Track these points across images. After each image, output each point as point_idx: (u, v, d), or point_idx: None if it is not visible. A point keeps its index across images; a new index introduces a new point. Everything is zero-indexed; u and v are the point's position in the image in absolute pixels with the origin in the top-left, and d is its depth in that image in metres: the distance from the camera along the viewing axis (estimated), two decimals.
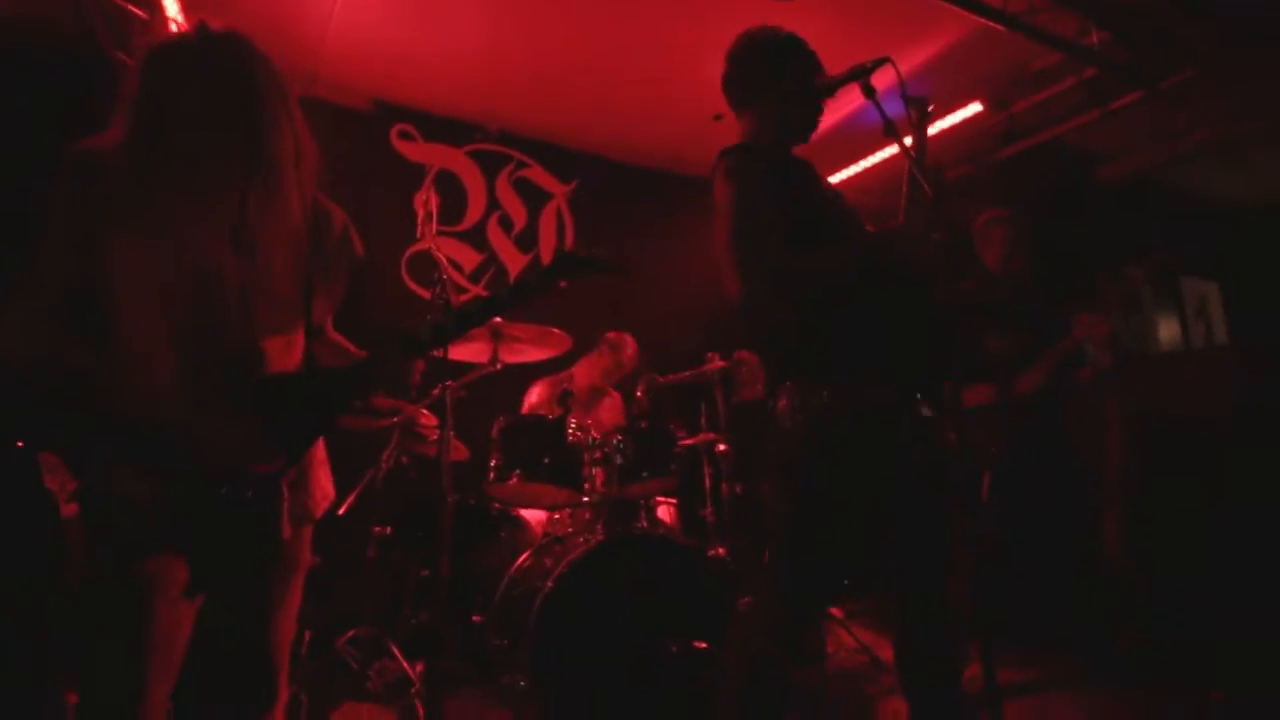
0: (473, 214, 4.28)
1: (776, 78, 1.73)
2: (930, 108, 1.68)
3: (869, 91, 1.60)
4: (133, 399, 1.13)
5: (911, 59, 3.55)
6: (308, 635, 2.51)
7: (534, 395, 3.45)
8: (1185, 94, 3.71)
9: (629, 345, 3.53)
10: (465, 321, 1.43)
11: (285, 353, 1.30)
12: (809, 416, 1.55)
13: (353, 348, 1.50)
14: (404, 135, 4.09)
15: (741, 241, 1.55)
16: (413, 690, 2.41)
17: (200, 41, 1.17)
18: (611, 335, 3.55)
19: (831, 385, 1.54)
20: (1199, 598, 2.83)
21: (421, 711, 2.27)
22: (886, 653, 2.77)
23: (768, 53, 1.75)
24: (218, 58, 1.17)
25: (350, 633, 2.73)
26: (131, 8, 2.84)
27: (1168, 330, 5.56)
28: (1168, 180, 4.79)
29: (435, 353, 2.27)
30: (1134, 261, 2.84)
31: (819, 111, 1.75)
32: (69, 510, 2.16)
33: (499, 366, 2.64)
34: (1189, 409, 3.36)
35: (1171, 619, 2.82)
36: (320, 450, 1.41)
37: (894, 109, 1.64)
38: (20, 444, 2.17)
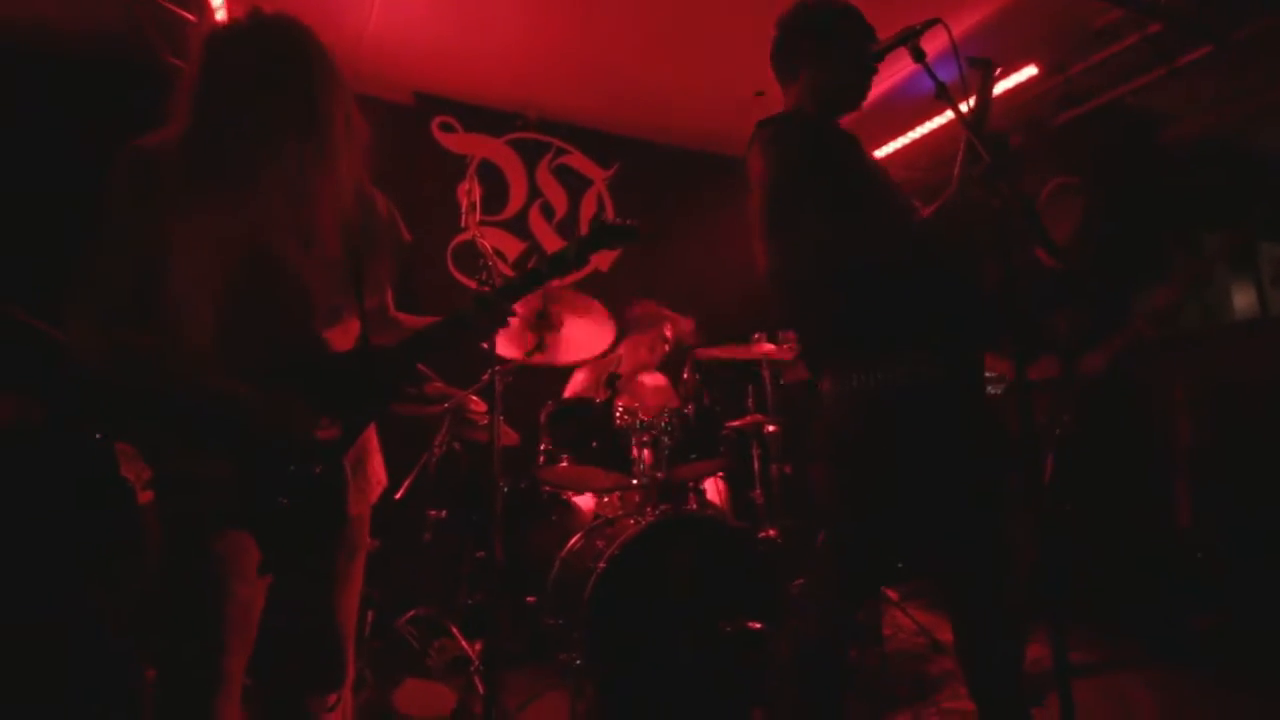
0: (514, 203, 4.31)
1: (827, 44, 1.68)
2: (997, 70, 1.60)
3: (919, 55, 1.54)
4: (198, 383, 1.16)
5: (962, 22, 3.41)
6: (370, 616, 2.60)
7: (578, 379, 3.47)
8: (1259, 46, 3.47)
9: (656, 311, 3.44)
10: (508, 295, 1.44)
11: (342, 332, 1.33)
12: (855, 399, 1.52)
13: (417, 319, 1.52)
14: (445, 127, 4.14)
15: (776, 211, 1.52)
16: (472, 668, 2.47)
17: (253, 22, 1.21)
18: (637, 310, 3.47)
19: (877, 365, 1.50)
20: (1274, 577, 2.69)
21: (481, 688, 2.33)
22: (945, 634, 2.72)
23: (821, 19, 1.70)
24: (271, 32, 1.21)
25: (410, 613, 2.81)
26: (181, 11, 2.94)
27: (1243, 298, 5.26)
28: (1239, 140, 4.51)
29: (482, 345, 2.32)
30: (1208, 229, 2.69)
31: (870, 78, 1.69)
32: (145, 497, 2.27)
33: (545, 351, 2.66)
34: (1265, 379, 3.18)
35: (1246, 598, 2.69)
36: (373, 439, 1.45)
37: (945, 73, 1.58)
38: (99, 435, 2.29)
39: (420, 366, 2.53)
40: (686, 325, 3.44)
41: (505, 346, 2.67)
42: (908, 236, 1.54)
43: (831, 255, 1.51)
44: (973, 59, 1.71)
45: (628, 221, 1.54)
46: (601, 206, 4.56)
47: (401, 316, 1.55)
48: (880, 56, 1.61)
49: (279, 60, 1.19)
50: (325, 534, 1.32)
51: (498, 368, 2.36)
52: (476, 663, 2.47)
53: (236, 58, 1.18)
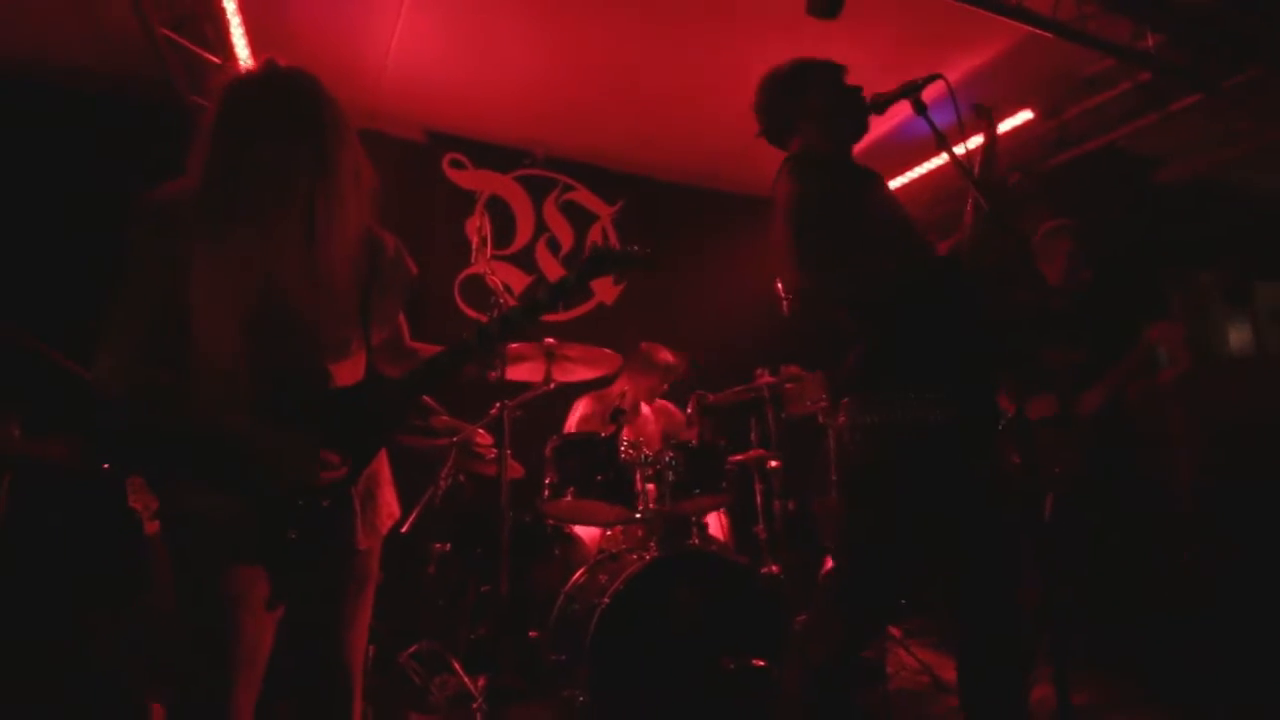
0: (521, 237, 4.40)
1: (807, 99, 1.75)
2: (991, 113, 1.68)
3: (920, 107, 1.61)
4: (210, 419, 1.20)
5: (960, 68, 3.53)
6: (372, 650, 2.58)
7: (580, 410, 3.49)
8: (1249, 93, 3.57)
9: (666, 354, 3.49)
10: (509, 326, 1.44)
11: (350, 367, 1.36)
12: (870, 433, 1.55)
13: (433, 349, 1.53)
14: (455, 164, 4.24)
15: (802, 235, 1.54)
16: (474, 704, 2.45)
17: (268, 74, 1.27)
18: (644, 347, 3.50)
19: (892, 401, 1.53)
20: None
21: None
22: (948, 673, 2.70)
23: (785, 84, 1.78)
24: (284, 84, 1.27)
25: (413, 647, 2.79)
26: (206, 54, 3.04)
27: (1239, 337, 5.31)
28: (1233, 182, 4.60)
29: (490, 376, 2.35)
30: (1203, 268, 2.75)
31: (863, 116, 1.74)
32: (152, 528, 2.29)
33: (552, 385, 2.70)
34: (1264, 417, 3.20)
35: (1251, 639, 2.68)
36: (386, 470, 1.46)
37: (943, 119, 1.65)
38: (106, 466, 2.31)
39: (428, 400, 2.57)
40: (682, 366, 3.47)
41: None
42: (928, 273, 1.58)
43: (861, 287, 1.54)
44: (977, 106, 1.79)
45: (632, 247, 1.55)
46: (607, 241, 4.64)
47: (418, 346, 1.58)
48: (883, 108, 1.68)
49: (291, 109, 1.24)
50: (334, 567, 1.34)
51: (507, 402, 2.40)
52: (479, 699, 2.45)
53: (251, 107, 1.24)
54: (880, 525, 1.54)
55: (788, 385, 3.32)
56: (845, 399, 1.60)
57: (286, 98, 1.25)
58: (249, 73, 1.30)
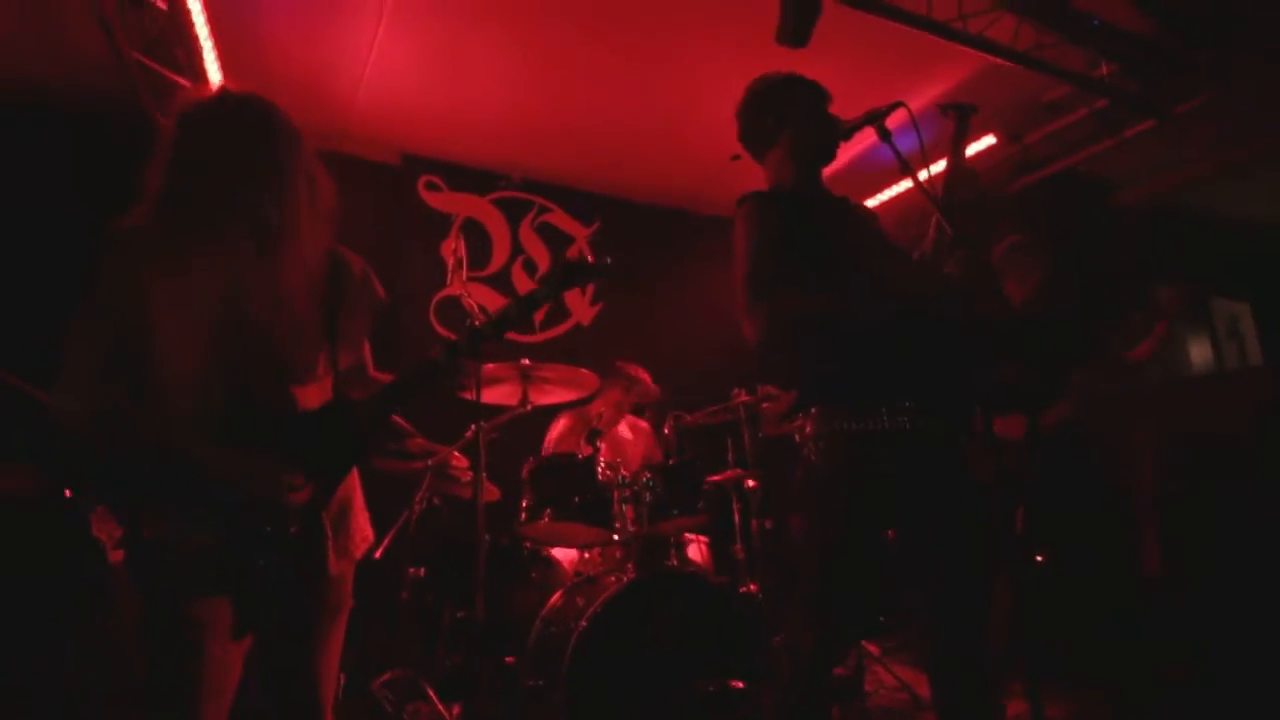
0: (498, 259, 4.40)
1: (786, 116, 1.79)
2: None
3: (885, 135, 1.66)
4: (170, 442, 1.19)
5: (923, 96, 3.63)
6: (343, 678, 2.53)
7: (559, 426, 3.48)
8: (1199, 119, 3.73)
9: (638, 373, 3.53)
10: (478, 339, 1.41)
11: (317, 391, 1.35)
12: (830, 446, 1.58)
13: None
14: (431, 186, 4.24)
15: (749, 285, 1.60)
16: None
17: (220, 98, 1.29)
18: (619, 364, 3.54)
19: (851, 415, 1.56)
20: (1245, 627, 2.74)
21: None
22: (927, 690, 2.71)
23: (773, 96, 1.82)
24: (236, 107, 1.28)
25: (385, 675, 2.74)
26: (177, 78, 3.02)
27: (1199, 352, 5.47)
28: (1189, 203, 4.78)
29: (466, 395, 2.34)
30: (1159, 285, 2.84)
31: (835, 137, 1.79)
32: (115, 557, 2.23)
33: (529, 408, 2.69)
34: (1224, 431, 3.30)
35: (1218, 648, 2.73)
36: (359, 494, 1.45)
37: (906, 145, 1.70)
38: (68, 493, 2.26)
39: (402, 422, 2.54)
40: (652, 390, 3.51)
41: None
42: (886, 298, 1.62)
43: (807, 325, 1.58)
44: (953, 105, 1.85)
45: (605, 259, 1.53)
46: (581, 255, 4.65)
47: (381, 377, 1.56)
48: (849, 135, 1.72)
49: (243, 130, 1.25)
50: (305, 594, 1.31)
51: (483, 424, 2.39)
52: None
53: (203, 129, 1.24)
54: (840, 536, 1.56)
55: (764, 405, 3.34)
56: (812, 409, 1.63)
57: (237, 119, 1.26)
58: (202, 97, 1.30)
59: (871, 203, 4.70)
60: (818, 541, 1.61)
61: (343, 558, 1.35)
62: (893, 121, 1.69)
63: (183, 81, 3.02)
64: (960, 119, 1.89)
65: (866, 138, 1.73)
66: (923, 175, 1.65)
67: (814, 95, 1.82)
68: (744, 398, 3.25)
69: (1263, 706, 2.39)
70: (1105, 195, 4.60)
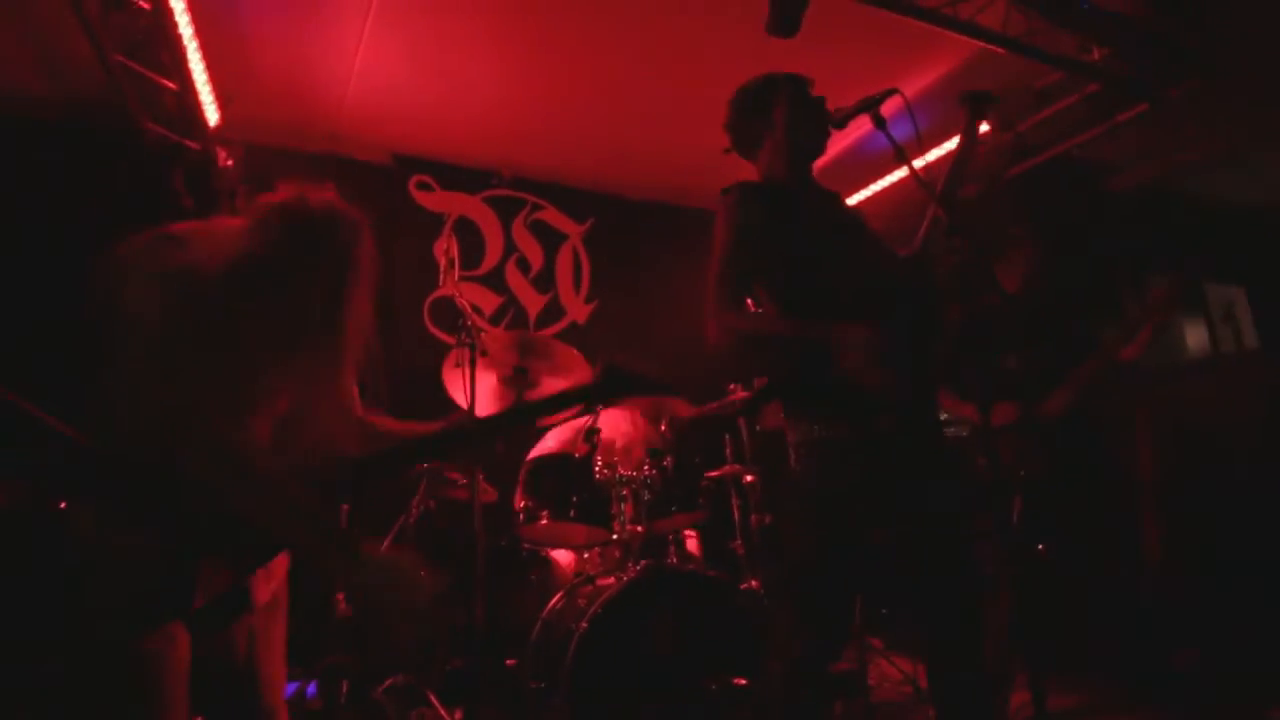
0: (491, 258, 4.37)
1: (774, 113, 1.78)
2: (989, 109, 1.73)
3: (879, 122, 1.64)
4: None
5: (915, 84, 3.61)
6: (345, 686, 2.51)
7: (549, 442, 3.45)
8: (1191, 103, 3.71)
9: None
10: (490, 427, 1.46)
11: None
12: (806, 454, 1.58)
13: (388, 421, 1.51)
14: (422, 186, 4.21)
15: (715, 290, 1.63)
16: None
17: (320, 215, 1.34)
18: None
19: (820, 422, 1.55)
20: (1249, 612, 2.74)
21: None
22: None
23: (761, 95, 1.81)
24: (328, 233, 1.34)
25: (387, 682, 2.71)
26: (161, 80, 2.98)
27: (1195, 337, 5.47)
28: (1183, 188, 4.77)
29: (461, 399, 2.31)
30: (1153, 271, 2.82)
31: (824, 123, 1.77)
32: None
33: None
34: (1221, 415, 3.29)
35: (1223, 634, 2.72)
36: None
37: (900, 133, 1.68)
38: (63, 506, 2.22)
39: (395, 423, 2.52)
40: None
41: (487, 405, 2.68)
42: (861, 292, 1.60)
43: (756, 345, 1.61)
44: (969, 94, 1.84)
45: (652, 373, 1.44)
46: (577, 260, 4.64)
47: (373, 420, 1.52)
48: (843, 124, 1.71)
49: (321, 274, 1.30)
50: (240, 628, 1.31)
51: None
52: None
53: (293, 255, 1.28)
54: (820, 544, 1.55)
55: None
56: (791, 415, 1.62)
57: (322, 251, 1.32)
58: (300, 207, 1.33)
59: (866, 192, 4.68)
60: (799, 550, 1.61)
61: (268, 584, 1.34)
62: (887, 109, 1.67)
63: (168, 84, 2.98)
64: (974, 109, 1.87)
65: (859, 127, 1.71)
66: (918, 163, 1.63)
67: (801, 91, 1.80)
68: (741, 393, 3.23)
69: (1266, 691, 2.39)
70: (1098, 182, 4.59)
